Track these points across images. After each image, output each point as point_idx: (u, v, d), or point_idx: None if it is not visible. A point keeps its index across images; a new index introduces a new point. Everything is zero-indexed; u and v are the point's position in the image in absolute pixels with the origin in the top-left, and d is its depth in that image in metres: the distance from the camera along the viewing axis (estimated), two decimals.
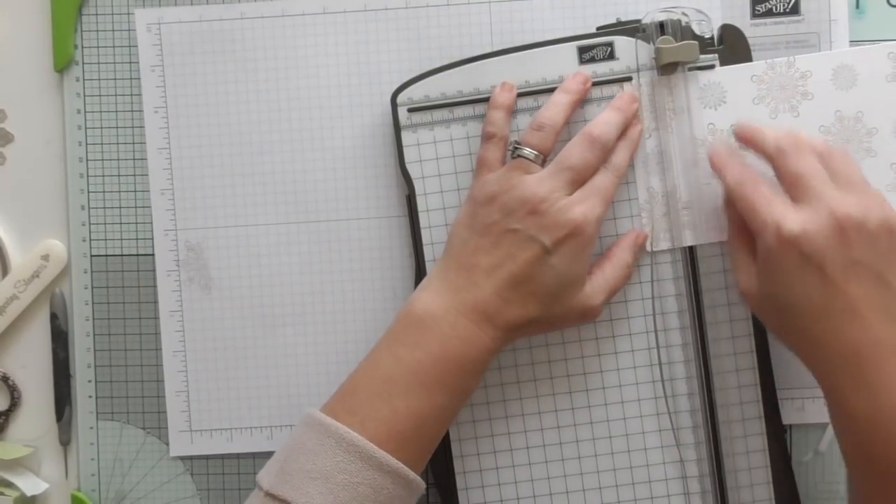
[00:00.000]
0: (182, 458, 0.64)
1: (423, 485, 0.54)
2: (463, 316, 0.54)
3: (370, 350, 0.56)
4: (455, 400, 0.55)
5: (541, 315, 0.55)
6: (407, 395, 0.53)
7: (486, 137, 0.58)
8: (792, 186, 0.52)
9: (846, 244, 0.50)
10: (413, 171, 0.61)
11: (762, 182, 0.53)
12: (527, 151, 0.56)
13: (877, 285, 0.50)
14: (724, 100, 0.59)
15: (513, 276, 0.54)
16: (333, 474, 0.51)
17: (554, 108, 0.57)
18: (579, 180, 0.56)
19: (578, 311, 0.56)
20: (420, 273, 0.60)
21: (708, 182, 0.59)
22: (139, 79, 0.64)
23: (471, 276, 0.55)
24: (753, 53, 0.60)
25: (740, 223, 0.55)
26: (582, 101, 0.59)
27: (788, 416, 0.61)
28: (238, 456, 0.64)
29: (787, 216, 0.51)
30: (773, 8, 0.61)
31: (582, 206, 0.55)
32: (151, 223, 0.64)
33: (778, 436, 0.60)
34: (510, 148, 0.57)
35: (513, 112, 0.59)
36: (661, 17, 0.59)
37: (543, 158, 0.56)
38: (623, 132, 0.58)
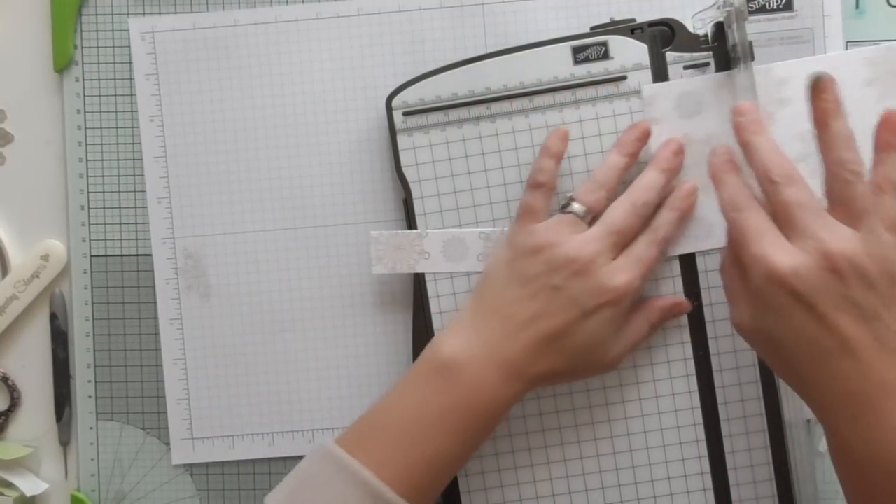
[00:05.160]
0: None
1: None
2: (489, 369, 0.54)
3: (393, 387, 0.55)
4: (470, 448, 0.55)
5: (566, 370, 0.55)
6: (423, 442, 0.53)
7: (535, 185, 0.57)
8: (781, 219, 0.50)
9: (840, 282, 0.47)
10: (409, 174, 0.61)
11: (755, 207, 0.51)
12: (577, 207, 0.56)
13: (870, 319, 0.47)
14: (700, 110, 0.58)
15: (547, 332, 0.54)
16: None
17: (610, 172, 0.57)
18: (623, 244, 0.56)
19: (601, 366, 0.57)
20: (418, 276, 0.60)
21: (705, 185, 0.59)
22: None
23: (504, 327, 0.54)
24: None
25: (735, 251, 0.52)
26: (636, 159, 0.58)
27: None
28: (238, 461, 0.64)
29: (776, 253, 0.48)
30: (767, 4, 0.60)
31: (625, 275, 0.54)
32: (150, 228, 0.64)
33: (780, 433, 0.60)
34: (563, 202, 0.57)
35: (562, 160, 0.58)
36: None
37: (592, 218, 0.56)
38: (668, 192, 0.58)
